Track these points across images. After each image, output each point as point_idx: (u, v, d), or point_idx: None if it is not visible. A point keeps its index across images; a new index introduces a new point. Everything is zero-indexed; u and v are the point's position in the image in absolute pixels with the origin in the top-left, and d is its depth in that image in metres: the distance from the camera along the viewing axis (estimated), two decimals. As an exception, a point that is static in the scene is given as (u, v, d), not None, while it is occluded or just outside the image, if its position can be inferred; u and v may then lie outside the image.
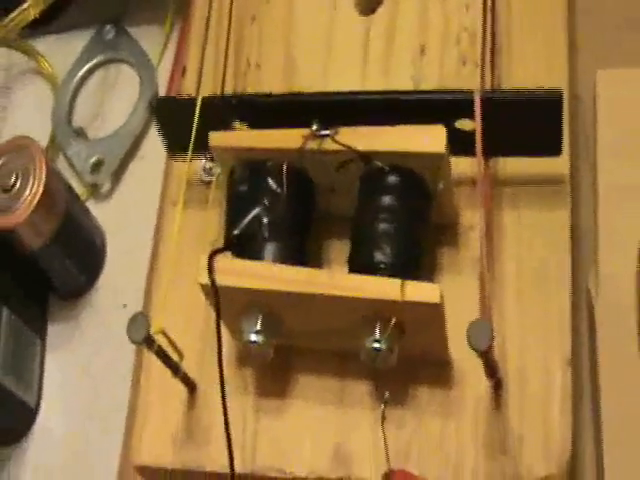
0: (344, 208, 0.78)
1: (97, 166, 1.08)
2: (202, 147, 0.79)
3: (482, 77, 0.85)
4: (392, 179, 0.80)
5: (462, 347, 0.63)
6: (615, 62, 0.86)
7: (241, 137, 0.78)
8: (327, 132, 0.81)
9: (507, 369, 0.72)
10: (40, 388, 0.89)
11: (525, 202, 0.80)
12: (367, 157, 0.75)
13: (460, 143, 0.74)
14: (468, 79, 0.87)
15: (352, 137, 0.75)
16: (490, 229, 0.76)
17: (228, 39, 0.98)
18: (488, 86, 0.82)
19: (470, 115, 0.75)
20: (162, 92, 1.08)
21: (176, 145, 0.84)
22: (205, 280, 0.77)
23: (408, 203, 0.77)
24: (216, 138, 0.78)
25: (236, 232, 0.80)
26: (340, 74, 0.91)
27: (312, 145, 0.81)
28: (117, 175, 1.08)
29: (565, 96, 0.79)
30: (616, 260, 0.75)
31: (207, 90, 0.95)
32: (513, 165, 0.81)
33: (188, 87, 0.98)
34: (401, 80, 0.91)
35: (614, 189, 0.77)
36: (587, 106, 0.91)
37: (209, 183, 0.87)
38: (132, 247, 1.03)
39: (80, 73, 1.16)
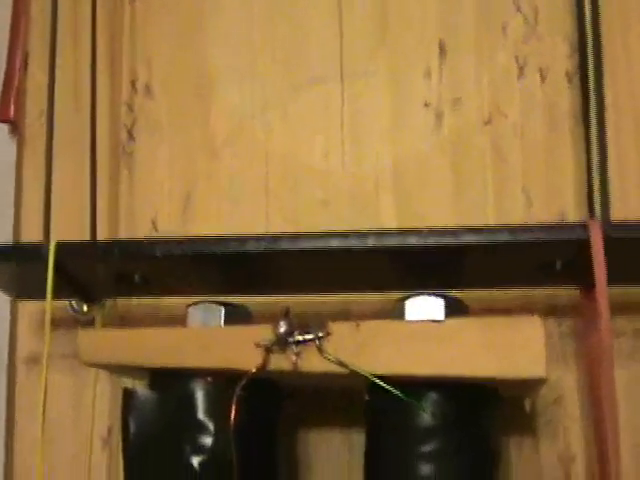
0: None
1: None
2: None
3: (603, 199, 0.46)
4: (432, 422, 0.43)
5: None
6: None
7: (141, 345, 0.42)
8: (309, 336, 0.41)
9: None
10: None
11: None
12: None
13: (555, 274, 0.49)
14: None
15: (358, 345, 0.44)
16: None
17: (94, 37, 0.54)
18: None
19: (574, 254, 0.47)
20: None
21: (24, 291, 0.55)
22: None
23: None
24: (90, 346, 0.48)
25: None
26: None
27: (280, 362, 0.42)
28: None
29: None
30: None
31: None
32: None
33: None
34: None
35: None
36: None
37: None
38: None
39: None
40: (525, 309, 0.52)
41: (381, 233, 0.45)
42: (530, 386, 0.44)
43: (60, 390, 0.57)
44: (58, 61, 0.56)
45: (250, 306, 0.50)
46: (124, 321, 0.56)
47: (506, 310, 0.51)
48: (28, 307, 0.57)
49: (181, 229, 0.56)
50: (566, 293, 0.51)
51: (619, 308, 0.51)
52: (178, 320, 0.51)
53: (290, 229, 0.55)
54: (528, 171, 0.54)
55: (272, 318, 0.48)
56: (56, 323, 0.56)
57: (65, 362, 0.56)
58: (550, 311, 0.53)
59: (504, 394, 0.45)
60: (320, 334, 0.42)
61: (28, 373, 0.57)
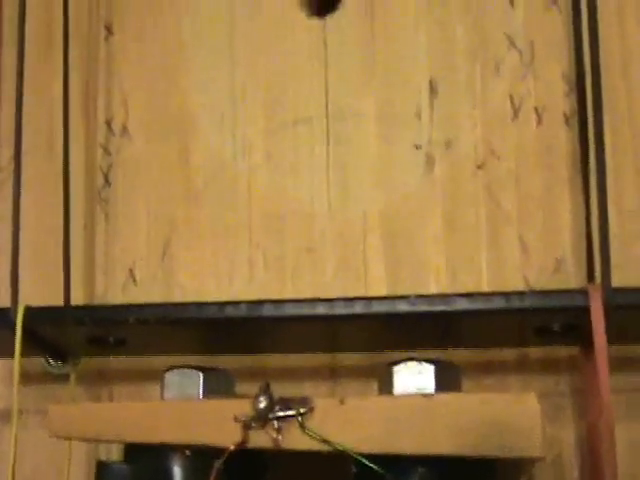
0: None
1: None
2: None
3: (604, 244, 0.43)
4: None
5: None
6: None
7: (115, 420, 0.42)
8: (291, 412, 0.39)
9: None
10: None
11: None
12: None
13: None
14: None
15: (342, 422, 0.40)
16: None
17: (66, 74, 0.52)
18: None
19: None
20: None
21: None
22: None
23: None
24: (61, 421, 0.44)
25: None
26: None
27: (260, 439, 0.40)
28: None
29: None
30: None
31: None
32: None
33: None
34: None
35: None
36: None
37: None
38: None
39: None
40: (521, 367, 0.50)
41: (369, 299, 0.43)
42: (526, 460, 0.42)
43: (35, 445, 0.54)
44: (30, 100, 0.53)
45: (232, 364, 0.48)
46: (101, 376, 0.53)
47: (501, 368, 0.49)
48: (2, 361, 0.54)
49: (160, 277, 0.54)
50: (565, 350, 0.49)
51: (618, 365, 0.48)
52: (157, 376, 0.48)
53: (273, 276, 0.53)
54: (523, 217, 0.51)
55: (255, 376, 0.45)
56: (31, 378, 0.53)
57: (40, 417, 0.53)
58: (547, 368, 0.50)
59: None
60: (302, 410, 0.40)
61: (2, 428, 0.55)
